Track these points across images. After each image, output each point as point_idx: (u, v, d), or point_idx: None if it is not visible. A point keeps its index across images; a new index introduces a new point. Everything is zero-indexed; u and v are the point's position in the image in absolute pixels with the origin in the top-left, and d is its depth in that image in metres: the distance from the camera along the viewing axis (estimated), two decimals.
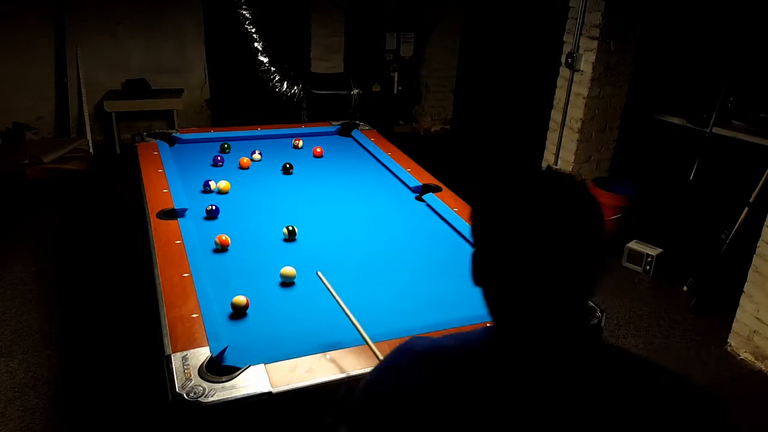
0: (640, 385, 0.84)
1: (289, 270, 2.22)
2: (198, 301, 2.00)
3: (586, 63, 4.25)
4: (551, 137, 4.71)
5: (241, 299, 2.01)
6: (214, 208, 2.74)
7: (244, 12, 5.63)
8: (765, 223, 3.15)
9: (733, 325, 3.32)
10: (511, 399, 0.83)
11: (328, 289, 1.98)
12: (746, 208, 3.50)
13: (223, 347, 1.77)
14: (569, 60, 4.35)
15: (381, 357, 1.62)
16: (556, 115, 4.64)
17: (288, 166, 3.35)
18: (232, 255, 2.44)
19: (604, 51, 4.19)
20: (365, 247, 2.57)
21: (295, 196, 3.07)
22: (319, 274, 2.07)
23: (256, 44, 5.74)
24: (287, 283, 2.21)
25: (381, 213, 2.93)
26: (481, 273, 0.90)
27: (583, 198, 0.86)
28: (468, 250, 2.63)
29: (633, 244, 4.13)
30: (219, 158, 3.42)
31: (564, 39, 4.43)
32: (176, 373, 1.64)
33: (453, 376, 0.86)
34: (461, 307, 2.11)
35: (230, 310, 2.01)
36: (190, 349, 1.75)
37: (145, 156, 3.38)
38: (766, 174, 3.41)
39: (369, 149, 3.76)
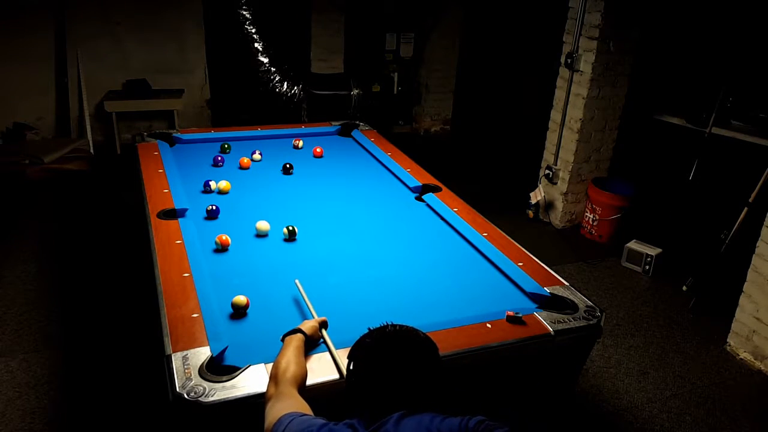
0: None
1: (263, 224, 2.55)
2: (198, 300, 2.01)
3: (586, 63, 4.26)
4: (551, 137, 4.72)
5: (241, 299, 2.02)
6: (214, 208, 2.75)
7: (244, 12, 5.63)
8: (764, 223, 3.15)
9: (733, 325, 3.33)
10: None
11: (304, 299, 2.03)
12: (745, 208, 3.51)
13: (224, 347, 1.77)
14: (569, 60, 4.36)
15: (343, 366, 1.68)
16: (555, 115, 4.64)
17: (288, 166, 3.36)
18: (232, 255, 2.44)
19: (604, 51, 4.20)
20: (365, 247, 2.57)
21: (295, 196, 3.07)
22: (297, 282, 2.13)
23: (256, 44, 5.74)
24: (261, 235, 2.53)
25: (381, 213, 2.93)
26: (354, 395, 1.34)
27: (413, 347, 1.31)
28: (468, 250, 2.61)
29: (632, 244, 4.13)
30: (219, 158, 3.43)
31: (564, 39, 4.43)
32: (176, 373, 1.64)
33: None
34: (461, 307, 2.12)
35: (230, 310, 2.02)
36: (191, 348, 1.75)
37: (145, 156, 3.38)
38: (765, 174, 3.41)
39: (369, 149, 3.77)
